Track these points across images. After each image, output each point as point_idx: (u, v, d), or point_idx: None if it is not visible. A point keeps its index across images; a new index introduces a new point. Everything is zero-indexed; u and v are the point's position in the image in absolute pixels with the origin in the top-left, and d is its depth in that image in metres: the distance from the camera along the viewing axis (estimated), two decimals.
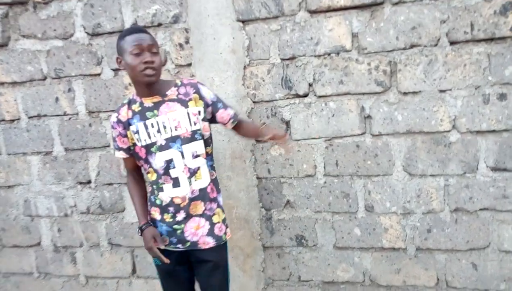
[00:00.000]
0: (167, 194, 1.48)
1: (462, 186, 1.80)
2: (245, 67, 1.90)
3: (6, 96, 2.22)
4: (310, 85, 1.85)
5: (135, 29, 1.43)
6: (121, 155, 1.54)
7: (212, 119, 1.57)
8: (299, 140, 1.92)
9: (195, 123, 1.47)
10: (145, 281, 2.26)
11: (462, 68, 1.70)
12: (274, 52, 1.86)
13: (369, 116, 1.83)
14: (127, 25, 1.97)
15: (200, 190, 1.50)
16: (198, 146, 1.49)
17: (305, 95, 1.87)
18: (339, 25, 1.77)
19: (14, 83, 2.19)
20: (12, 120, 2.25)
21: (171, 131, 1.44)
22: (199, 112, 1.50)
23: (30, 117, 2.21)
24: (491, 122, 1.71)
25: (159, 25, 1.95)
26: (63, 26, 2.06)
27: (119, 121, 1.48)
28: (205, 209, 1.52)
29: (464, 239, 1.84)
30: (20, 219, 2.37)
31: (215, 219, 1.55)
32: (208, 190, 1.53)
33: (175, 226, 1.50)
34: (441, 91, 1.74)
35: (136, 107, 1.47)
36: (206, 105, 1.52)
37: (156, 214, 1.53)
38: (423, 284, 1.93)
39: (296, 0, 1.78)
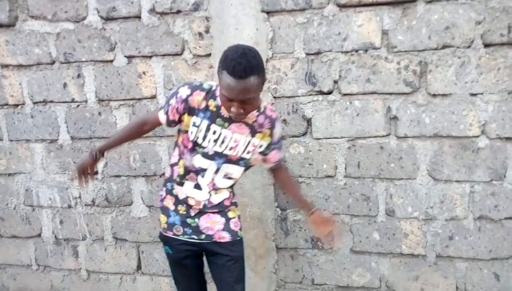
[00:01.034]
0: (186, 191, 1.48)
1: (488, 194, 1.81)
2: (267, 60, 1.88)
3: (10, 80, 2.19)
4: (335, 82, 1.85)
5: (238, 71, 1.19)
6: (162, 118, 1.45)
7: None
8: (320, 139, 1.92)
9: (248, 153, 1.45)
10: (150, 278, 2.27)
11: (496, 72, 1.70)
12: (299, 46, 1.85)
13: (395, 117, 1.83)
14: (144, 10, 1.95)
15: (219, 203, 1.51)
16: (236, 171, 1.48)
17: (329, 93, 1.87)
18: (369, 21, 1.76)
19: (19, 66, 2.16)
20: (16, 105, 2.22)
21: (225, 148, 1.41)
22: (261, 146, 1.47)
23: (35, 103, 2.19)
24: None
25: (178, 12, 1.92)
26: (75, 8, 2.03)
27: (185, 101, 1.37)
28: (221, 210, 1.52)
29: (487, 248, 1.86)
30: (20, 208, 2.35)
31: (230, 214, 1.54)
32: (225, 202, 1.53)
33: (189, 220, 1.50)
34: (472, 95, 1.74)
35: (212, 105, 1.37)
36: (270, 144, 1.48)
37: (169, 202, 1.52)
38: None
39: None
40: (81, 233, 2.29)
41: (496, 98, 1.72)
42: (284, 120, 1.93)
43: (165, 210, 1.54)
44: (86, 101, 2.13)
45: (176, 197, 1.50)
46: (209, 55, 1.95)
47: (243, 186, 2.03)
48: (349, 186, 1.93)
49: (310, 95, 1.88)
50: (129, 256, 2.26)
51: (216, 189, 1.48)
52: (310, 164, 1.95)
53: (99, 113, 2.13)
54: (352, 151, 1.89)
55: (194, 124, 1.39)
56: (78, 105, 2.14)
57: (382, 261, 1.98)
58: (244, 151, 1.43)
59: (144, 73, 2.03)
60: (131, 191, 2.18)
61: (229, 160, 1.43)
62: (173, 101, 1.40)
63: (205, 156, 1.42)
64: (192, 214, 1.49)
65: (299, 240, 2.05)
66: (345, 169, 1.92)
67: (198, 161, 1.43)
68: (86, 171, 1.53)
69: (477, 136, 1.77)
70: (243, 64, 1.18)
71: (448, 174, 1.82)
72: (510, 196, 1.79)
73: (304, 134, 1.93)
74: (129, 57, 2.03)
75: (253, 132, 1.42)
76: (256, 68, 1.21)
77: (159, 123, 1.49)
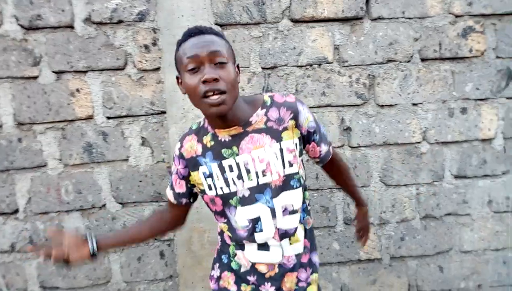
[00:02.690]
0: (250, 257, 1.14)
1: (430, 194, 2.07)
2: None
3: None
4: None
5: (192, 31, 1.03)
6: (169, 195, 1.21)
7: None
8: None
9: (291, 165, 1.09)
10: None
11: (432, 84, 1.98)
12: (254, 60, 1.89)
13: (348, 128, 1.99)
14: (78, 19, 1.78)
15: (297, 256, 1.16)
16: (295, 197, 1.11)
17: None
18: (322, 36, 1.90)
19: None
20: None
21: (257, 177, 1.08)
22: (296, 145, 1.11)
23: None
24: (455, 134, 2.02)
25: (120, 22, 1.80)
26: None
27: (180, 156, 1.14)
28: (298, 281, 1.18)
29: (432, 244, 2.12)
30: None
31: (313, 278, 1.21)
32: (304, 252, 1.19)
33: None
34: (414, 104, 1.99)
35: (208, 140, 1.11)
36: (302, 136, 1.13)
37: (229, 282, 1.17)
38: None
39: (280, 7, 1.86)
40: None
41: (433, 107, 2.00)
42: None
43: None
44: (0, 126, 1.83)
45: (236, 271, 1.17)
46: (157, 69, 1.86)
47: (200, 210, 1.97)
48: (309, 198, 2.02)
49: None
50: None
51: (286, 236, 1.13)
52: None
53: (19, 140, 1.85)
54: (310, 163, 1.99)
55: (205, 176, 1.11)
56: None
57: (342, 270, 2.10)
58: (284, 165, 1.08)
59: (77, 90, 1.84)
60: (63, 228, 1.93)
61: (276, 189, 1.09)
62: (172, 168, 1.19)
63: (245, 202, 1.09)
64: (268, 288, 1.14)
65: None
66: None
67: (242, 215, 1.11)
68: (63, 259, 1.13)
69: (419, 142, 2.02)
70: (194, 27, 1.04)
71: (397, 179, 2.03)
72: (448, 194, 2.08)
73: None
74: (59, 73, 1.82)
75: (277, 135, 1.08)
76: (214, 30, 1.05)
77: (173, 209, 1.25)
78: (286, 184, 1.09)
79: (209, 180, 1.11)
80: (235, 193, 1.09)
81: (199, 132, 1.13)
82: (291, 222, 1.12)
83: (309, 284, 1.20)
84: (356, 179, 1.98)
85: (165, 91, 1.86)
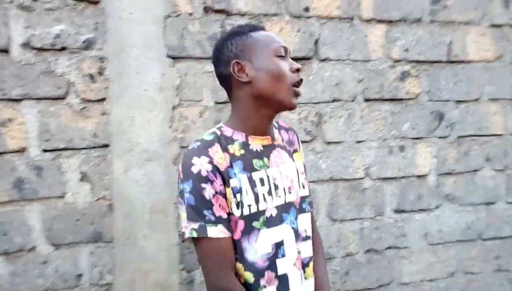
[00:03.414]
0: None
1: (373, 228, 2.18)
2: (174, 108, 1.85)
3: None
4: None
5: (259, 26, 1.06)
6: (225, 232, 0.94)
7: None
8: None
9: (303, 186, 1.08)
10: None
11: (374, 123, 2.12)
12: (207, 94, 1.89)
13: None
14: (15, 44, 1.64)
15: None
16: (308, 222, 1.08)
17: None
18: None
19: None
20: None
21: (285, 194, 1.00)
22: (305, 168, 1.13)
23: None
24: (394, 170, 2.18)
25: (63, 49, 1.70)
26: None
27: (216, 171, 0.93)
28: None
29: (375, 277, 2.21)
30: None
31: None
32: None
33: None
34: (358, 142, 2.11)
35: (235, 149, 0.98)
36: None
37: None
38: None
39: None
40: None
41: (375, 145, 2.14)
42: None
43: None
44: None
45: None
46: (102, 100, 1.77)
47: (144, 250, 1.86)
48: None
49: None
50: None
51: (305, 266, 1.05)
52: None
53: None
54: None
55: (235, 191, 0.95)
56: None
57: None
58: (299, 186, 1.06)
59: (10, 120, 1.68)
60: None
61: (297, 209, 1.03)
62: (208, 192, 0.93)
63: (271, 222, 0.97)
64: None
65: None
66: None
67: (266, 239, 0.96)
68: None
69: (363, 178, 2.14)
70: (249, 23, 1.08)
71: (342, 214, 2.12)
72: (388, 228, 2.20)
73: None
74: None
75: (291, 154, 1.08)
76: None
77: (230, 246, 0.96)
78: (301, 206, 1.05)
79: (238, 195, 0.95)
80: (263, 212, 0.97)
81: (219, 141, 0.98)
82: (308, 249, 1.05)
83: None
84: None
85: (111, 123, 1.78)
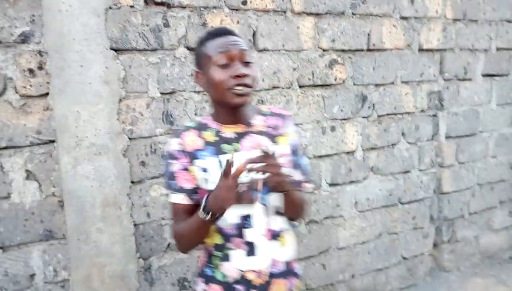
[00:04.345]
0: (236, 265, 1.13)
1: (312, 201, 2.35)
2: (120, 100, 1.79)
3: None
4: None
5: (221, 30, 1.12)
6: (182, 199, 1.12)
7: None
8: None
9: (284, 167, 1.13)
10: None
11: (308, 107, 2.26)
12: (152, 85, 1.86)
13: None
14: None
15: (287, 263, 1.18)
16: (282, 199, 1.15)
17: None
18: None
19: None
20: None
21: (255, 174, 1.06)
22: (290, 152, 1.19)
23: None
24: (327, 149, 2.35)
25: None
26: None
27: (183, 151, 1.12)
28: (287, 285, 1.19)
29: (316, 245, 2.39)
30: None
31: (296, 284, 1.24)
32: (294, 261, 1.22)
33: None
34: (296, 124, 2.23)
35: (209, 136, 1.14)
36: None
37: None
38: None
39: (176, 35, 1.88)
40: None
41: (310, 127, 2.28)
42: (143, 162, 1.88)
43: None
44: None
45: (222, 283, 1.15)
46: (44, 95, 1.67)
47: (98, 244, 1.81)
48: None
49: (168, 134, 1.91)
50: None
51: (275, 237, 1.15)
52: None
53: None
54: None
55: (201, 169, 1.12)
56: None
57: None
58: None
59: None
60: None
61: (270, 188, 1.10)
62: (174, 167, 1.13)
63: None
64: None
65: (165, 286, 1.99)
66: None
67: (234, 212, 1.09)
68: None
69: None
70: (220, 27, 1.17)
71: None
72: (325, 200, 2.38)
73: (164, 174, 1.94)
74: None
75: (273, 138, 1.16)
76: (237, 32, 1.16)
77: (188, 210, 1.12)
78: None
79: (204, 174, 1.11)
80: None
81: (199, 128, 1.16)
82: (280, 223, 1.16)
83: (297, 279, 1.23)
84: None
85: (55, 118, 1.69)
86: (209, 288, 1.17)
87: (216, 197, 1.01)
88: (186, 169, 1.13)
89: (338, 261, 2.48)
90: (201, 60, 1.12)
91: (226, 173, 0.99)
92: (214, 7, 1.96)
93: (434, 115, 2.76)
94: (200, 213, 1.04)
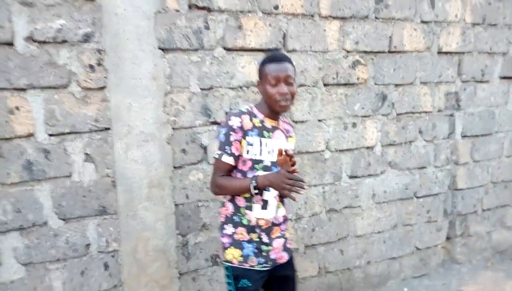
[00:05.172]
0: (255, 214, 1.55)
1: (332, 191, 2.50)
2: (165, 94, 2.00)
3: None
4: (227, 114, 2.15)
5: (277, 57, 1.53)
6: (229, 160, 1.52)
7: None
8: None
9: None
10: None
11: (332, 104, 2.42)
12: (193, 82, 2.06)
13: None
14: (19, 37, 1.70)
15: (283, 217, 1.63)
16: None
17: None
18: (249, 63, 2.16)
19: None
20: None
21: (275, 156, 1.54)
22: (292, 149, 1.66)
23: None
24: (348, 143, 2.50)
25: (64, 42, 1.78)
26: None
27: (241, 127, 1.50)
28: (281, 230, 1.64)
29: (335, 232, 2.55)
30: None
31: (286, 234, 1.68)
32: (285, 216, 1.65)
33: (263, 247, 1.57)
34: (319, 121, 2.40)
35: (257, 122, 1.54)
36: None
37: (243, 234, 1.56)
38: (310, 275, 2.51)
39: (215, 37, 2.07)
40: None
41: (333, 123, 2.44)
42: (183, 150, 2.08)
43: (238, 244, 1.57)
44: None
45: (247, 226, 1.56)
46: (102, 88, 1.88)
47: (144, 220, 2.02)
48: None
49: (206, 125, 2.11)
50: None
51: (280, 200, 1.60)
52: (207, 188, 2.15)
53: None
54: None
55: (249, 144, 1.52)
56: None
57: None
58: None
59: (17, 108, 1.75)
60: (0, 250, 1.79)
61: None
62: (232, 137, 1.50)
63: (266, 169, 1.53)
64: (265, 239, 1.57)
65: (200, 261, 2.20)
66: None
67: None
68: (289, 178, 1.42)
69: (324, 151, 2.44)
70: (279, 53, 1.61)
71: (308, 181, 2.41)
72: (345, 191, 2.54)
73: (201, 161, 2.13)
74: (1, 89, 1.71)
75: (286, 138, 1.63)
76: (288, 58, 1.55)
77: (229, 169, 1.54)
78: None
79: (250, 147, 1.52)
80: (262, 161, 1.53)
81: (250, 114, 1.55)
82: None
83: (286, 230, 1.67)
84: None
85: (110, 109, 1.90)
86: (237, 230, 1.57)
87: (269, 179, 1.45)
88: (239, 141, 1.51)
89: (355, 248, 2.63)
90: (262, 75, 1.54)
91: (281, 164, 1.41)
92: (249, 11, 2.14)
93: (451, 115, 2.86)
94: (251, 182, 1.46)
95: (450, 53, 2.78)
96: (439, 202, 2.92)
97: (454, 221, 3.01)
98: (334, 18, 2.36)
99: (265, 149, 1.54)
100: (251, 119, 1.53)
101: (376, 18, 2.48)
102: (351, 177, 2.55)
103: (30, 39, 1.74)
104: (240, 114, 1.53)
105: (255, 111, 1.56)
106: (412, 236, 2.84)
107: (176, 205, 2.10)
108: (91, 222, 1.94)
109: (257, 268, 1.56)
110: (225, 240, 1.58)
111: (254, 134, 1.52)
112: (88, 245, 1.94)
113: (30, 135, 1.79)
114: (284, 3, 2.21)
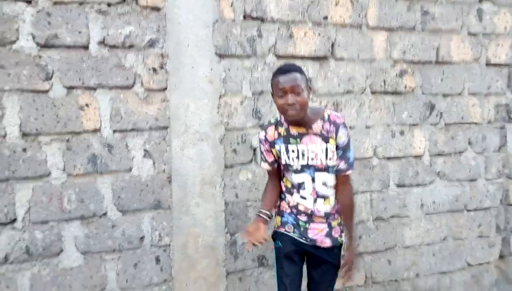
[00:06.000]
0: (296, 199, 1.72)
1: (380, 199, 2.44)
2: (220, 97, 2.07)
3: None
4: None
5: (283, 69, 1.57)
6: (265, 166, 1.75)
7: None
8: None
9: (330, 159, 1.62)
10: None
11: (379, 111, 2.40)
12: (246, 86, 2.12)
13: None
14: (93, 42, 1.85)
15: (325, 212, 1.70)
16: (329, 178, 1.66)
17: None
18: None
19: None
20: None
21: (308, 160, 1.63)
22: (335, 149, 1.63)
23: None
24: (396, 151, 2.45)
25: (131, 46, 1.92)
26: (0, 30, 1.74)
27: (266, 139, 1.69)
28: (324, 218, 1.71)
29: (382, 241, 2.46)
30: None
31: (333, 223, 1.73)
32: (332, 211, 1.71)
33: (300, 222, 1.72)
34: (367, 127, 2.38)
35: (282, 131, 1.66)
36: (336, 147, 1.63)
37: (285, 206, 1.77)
38: (356, 284, 2.42)
39: (267, 45, 2.14)
40: None
41: (380, 129, 2.41)
42: (234, 150, 2.12)
43: (280, 212, 1.79)
44: (4, 136, 1.77)
45: (288, 203, 1.75)
46: (163, 89, 1.98)
47: (195, 216, 2.06)
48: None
49: (256, 128, 2.15)
50: None
51: (321, 197, 1.67)
52: (256, 189, 2.17)
53: (24, 150, 1.80)
54: None
55: (279, 151, 1.68)
56: None
57: None
58: (326, 159, 1.63)
59: (87, 105, 1.88)
60: (62, 237, 1.87)
61: (318, 169, 1.64)
62: (262, 148, 1.72)
63: (296, 171, 1.66)
64: (303, 218, 1.71)
65: (247, 261, 2.18)
66: None
67: (294, 177, 1.68)
68: (250, 236, 1.66)
69: (371, 157, 2.40)
70: (286, 64, 1.63)
71: (356, 187, 2.35)
72: (392, 199, 2.46)
73: (251, 161, 2.16)
74: (69, 88, 1.85)
75: (326, 140, 1.62)
76: (296, 66, 1.60)
77: (270, 171, 1.77)
78: (326, 169, 1.65)
79: (281, 154, 1.68)
80: (292, 165, 1.67)
81: (276, 124, 1.69)
82: (325, 191, 1.68)
83: (334, 219, 1.72)
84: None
85: (170, 109, 1.99)
86: (282, 203, 1.78)
87: (253, 222, 1.72)
88: (269, 150, 1.71)
89: (404, 259, 2.51)
90: (272, 88, 1.60)
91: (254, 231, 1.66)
92: (300, 22, 2.20)
93: (502, 127, 2.74)
94: (259, 210, 1.74)
95: (500, 65, 2.70)
96: (491, 216, 2.75)
97: (508, 238, 2.82)
98: (381, 28, 2.37)
99: (292, 155, 1.65)
100: (276, 129, 1.67)
101: (423, 29, 2.47)
102: (398, 186, 2.47)
103: (102, 43, 1.88)
104: (266, 127, 1.70)
105: (282, 120, 1.66)
106: (463, 251, 2.68)
107: (226, 203, 2.12)
108: (146, 215, 1.99)
109: (291, 235, 1.71)
110: (276, 210, 1.81)
111: (280, 143, 1.66)
112: (142, 238, 1.99)
113: (96, 130, 1.91)
114: (333, 14, 2.26)
